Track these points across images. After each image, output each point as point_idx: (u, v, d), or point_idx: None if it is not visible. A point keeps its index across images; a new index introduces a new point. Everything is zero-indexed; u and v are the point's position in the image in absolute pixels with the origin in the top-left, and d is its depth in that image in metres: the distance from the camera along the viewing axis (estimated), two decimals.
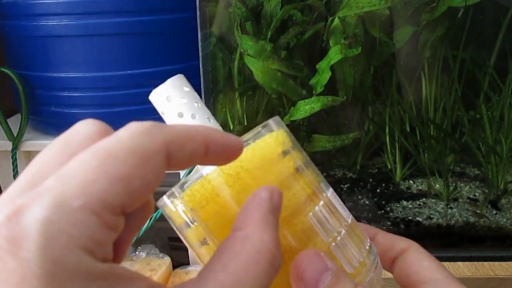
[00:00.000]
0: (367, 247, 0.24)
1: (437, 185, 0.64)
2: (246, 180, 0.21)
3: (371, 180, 0.66)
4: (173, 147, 0.17)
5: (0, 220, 0.14)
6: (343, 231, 0.23)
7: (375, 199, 0.63)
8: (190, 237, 0.23)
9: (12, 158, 0.68)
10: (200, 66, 0.58)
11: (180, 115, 0.24)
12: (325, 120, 0.65)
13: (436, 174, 0.64)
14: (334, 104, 0.59)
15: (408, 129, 0.64)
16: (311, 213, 0.22)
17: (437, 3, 0.57)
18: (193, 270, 0.79)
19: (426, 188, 0.64)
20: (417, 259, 0.26)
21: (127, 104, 0.67)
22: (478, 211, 0.61)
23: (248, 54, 0.58)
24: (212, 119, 0.25)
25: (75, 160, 0.16)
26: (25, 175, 0.17)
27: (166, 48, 0.67)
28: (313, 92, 0.58)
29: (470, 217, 0.60)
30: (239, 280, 0.16)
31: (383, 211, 0.62)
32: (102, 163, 0.15)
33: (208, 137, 0.18)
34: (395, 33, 0.60)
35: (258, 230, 0.18)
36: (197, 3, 0.55)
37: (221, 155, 0.19)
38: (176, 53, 0.69)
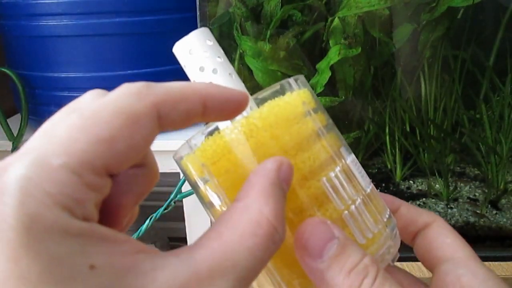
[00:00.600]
0: (385, 219, 0.23)
1: (437, 185, 0.64)
2: (259, 138, 0.21)
3: (371, 180, 0.66)
4: (165, 108, 0.16)
5: None
6: (359, 200, 0.22)
7: None
8: (203, 194, 0.22)
9: None
10: None
11: (202, 69, 0.23)
12: None
13: (436, 174, 0.64)
14: (333, 104, 0.59)
15: (408, 129, 0.64)
16: (324, 178, 0.21)
17: (437, 3, 0.57)
18: None
19: (426, 188, 0.64)
20: (440, 234, 0.25)
21: None
22: (478, 211, 0.61)
23: (247, 55, 0.58)
24: (235, 75, 0.24)
25: (62, 121, 0.16)
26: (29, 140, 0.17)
27: (166, 48, 0.67)
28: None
29: (470, 217, 0.60)
30: (232, 249, 0.16)
31: None
32: (86, 123, 0.15)
33: (205, 94, 0.18)
34: (395, 32, 0.60)
35: (258, 201, 0.17)
36: (197, 3, 0.55)
37: (223, 110, 0.18)
38: None
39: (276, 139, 0.21)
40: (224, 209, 0.22)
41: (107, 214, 0.17)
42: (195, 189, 0.23)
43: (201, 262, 0.15)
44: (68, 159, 0.15)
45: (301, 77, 0.24)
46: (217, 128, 0.21)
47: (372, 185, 0.24)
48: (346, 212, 0.22)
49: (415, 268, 0.49)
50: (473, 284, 0.22)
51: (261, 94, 0.22)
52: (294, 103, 0.22)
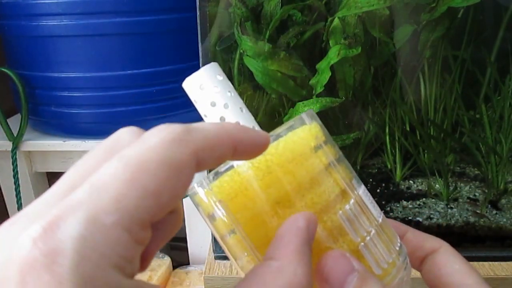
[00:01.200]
0: (397, 248, 0.24)
1: (437, 185, 0.64)
2: (276, 174, 0.21)
3: (371, 180, 0.66)
4: (203, 154, 0.17)
5: (37, 232, 0.14)
6: (373, 231, 0.23)
7: (375, 199, 0.63)
8: (218, 227, 0.23)
9: (12, 158, 0.68)
10: (200, 66, 0.58)
11: (213, 104, 0.24)
12: (325, 120, 0.65)
13: (436, 174, 0.64)
14: (333, 105, 0.59)
15: (408, 129, 0.64)
16: (341, 211, 0.22)
17: (437, 3, 0.57)
18: (193, 270, 0.79)
19: (426, 188, 0.64)
20: (449, 260, 0.25)
21: (127, 104, 0.67)
22: (478, 211, 0.61)
23: (247, 55, 0.58)
24: (245, 109, 0.24)
25: (106, 170, 0.16)
26: (65, 180, 0.17)
27: (166, 48, 0.67)
28: (313, 92, 0.58)
29: (470, 217, 0.60)
30: None
31: (383, 211, 0.61)
32: (133, 176, 0.15)
33: (236, 138, 0.18)
34: (395, 32, 0.60)
35: (292, 262, 0.18)
36: (197, 3, 0.55)
37: (248, 152, 0.19)
38: (176, 53, 0.69)
39: (292, 175, 0.21)
40: (239, 243, 0.22)
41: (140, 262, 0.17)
42: (209, 222, 0.23)
43: None
44: (120, 217, 0.15)
45: (311, 112, 0.24)
46: (232, 166, 0.22)
47: (382, 214, 0.25)
48: (362, 244, 0.22)
49: None
50: None
51: (276, 131, 0.22)
52: (307, 138, 0.22)
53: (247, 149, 0.19)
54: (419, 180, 0.65)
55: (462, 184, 0.65)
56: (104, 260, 0.14)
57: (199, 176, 0.22)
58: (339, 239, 0.22)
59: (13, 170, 0.69)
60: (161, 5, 0.65)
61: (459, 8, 0.59)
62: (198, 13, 0.55)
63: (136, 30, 0.64)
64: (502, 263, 0.53)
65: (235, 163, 0.22)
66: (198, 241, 0.76)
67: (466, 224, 0.59)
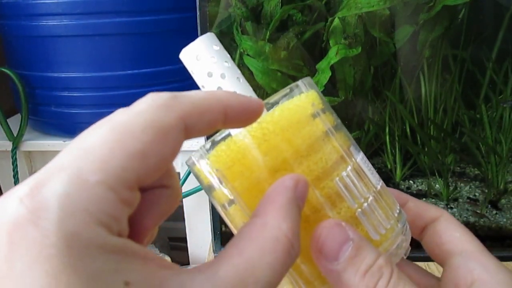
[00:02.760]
0: (396, 214, 0.24)
1: (437, 185, 0.64)
2: (272, 142, 0.21)
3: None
4: (191, 119, 0.17)
5: (24, 191, 0.15)
6: (371, 197, 0.23)
7: None
8: (217, 197, 0.23)
9: (12, 158, 0.68)
10: None
11: (210, 74, 0.23)
12: None
13: (436, 174, 0.64)
14: (332, 104, 0.59)
15: (408, 129, 0.64)
16: (337, 178, 0.22)
17: (434, 3, 0.57)
18: None
19: (426, 188, 0.64)
20: (449, 228, 0.25)
21: (127, 104, 0.66)
22: (478, 211, 0.61)
23: (247, 54, 0.58)
24: (242, 79, 0.24)
25: (93, 134, 0.16)
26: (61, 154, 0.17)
27: (166, 48, 0.67)
28: None
29: (470, 217, 0.60)
30: (254, 266, 0.16)
31: None
32: (119, 138, 0.16)
33: (226, 104, 0.18)
34: (395, 32, 0.60)
35: (277, 218, 0.18)
36: (197, 3, 0.55)
37: (240, 118, 0.19)
38: (176, 53, 0.68)
39: (288, 142, 0.21)
40: (238, 212, 0.22)
41: (132, 233, 0.17)
42: (208, 192, 0.23)
43: (225, 279, 0.16)
44: (105, 176, 0.15)
45: (308, 79, 0.24)
46: (229, 134, 0.22)
47: (381, 181, 0.25)
48: (359, 210, 0.22)
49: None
50: (484, 277, 0.22)
51: (272, 99, 0.22)
52: (303, 105, 0.22)
53: (238, 115, 0.19)
54: (419, 180, 0.66)
55: (462, 184, 0.65)
56: (89, 216, 0.14)
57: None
58: (336, 205, 0.22)
59: (13, 170, 0.69)
60: (161, 5, 0.65)
61: (459, 8, 0.59)
62: (198, 13, 0.55)
63: (136, 30, 0.64)
64: (502, 263, 0.53)
65: (232, 132, 0.22)
66: (198, 241, 0.76)
67: (466, 224, 0.60)
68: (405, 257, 0.24)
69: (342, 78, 0.60)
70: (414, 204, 0.27)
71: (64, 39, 0.64)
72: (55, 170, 0.15)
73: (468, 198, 0.63)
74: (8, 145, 0.69)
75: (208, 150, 0.22)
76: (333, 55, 0.56)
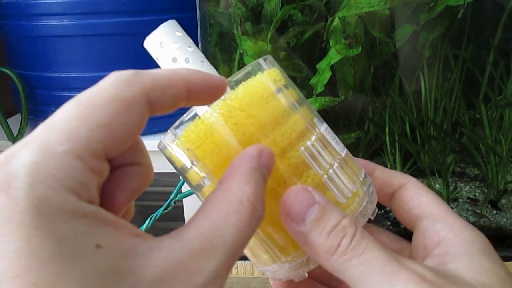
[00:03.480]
0: (361, 179, 0.25)
1: (437, 185, 0.64)
2: (238, 119, 0.22)
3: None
4: (154, 93, 0.18)
5: None
6: (336, 164, 0.24)
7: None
8: (191, 178, 0.24)
9: None
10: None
11: (174, 60, 0.25)
12: (325, 120, 0.65)
13: (436, 174, 0.64)
14: (332, 104, 0.59)
15: (408, 129, 0.64)
16: (303, 148, 0.23)
17: (435, 3, 0.57)
18: None
19: None
20: (416, 193, 0.26)
21: None
22: (478, 211, 0.61)
23: (247, 55, 0.58)
24: (206, 62, 0.25)
25: (60, 110, 0.17)
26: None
27: None
28: (313, 92, 0.58)
29: (470, 217, 0.60)
30: (220, 227, 0.17)
31: (383, 211, 0.62)
32: (84, 111, 0.16)
33: (189, 79, 0.19)
34: (395, 32, 0.60)
35: (239, 183, 0.19)
36: (197, 3, 0.55)
37: (205, 95, 0.20)
38: None
39: (253, 117, 0.22)
40: (214, 187, 0.23)
41: (104, 207, 0.17)
42: (182, 174, 0.24)
43: (193, 240, 0.17)
44: (71, 145, 0.15)
45: (269, 57, 0.25)
46: (196, 114, 0.22)
47: (346, 149, 0.26)
48: (325, 176, 0.23)
49: None
50: (449, 236, 0.23)
51: (235, 77, 0.23)
52: (266, 82, 0.23)
53: (202, 90, 0.19)
54: (419, 180, 0.66)
55: (462, 184, 0.65)
56: (57, 182, 0.15)
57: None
58: (303, 174, 0.23)
59: None
60: (161, 5, 0.65)
61: (459, 8, 0.59)
62: (198, 13, 0.55)
63: (136, 30, 0.64)
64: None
65: (198, 111, 0.22)
66: None
67: None
68: (372, 218, 0.25)
69: (342, 78, 0.60)
70: (382, 172, 0.28)
71: (64, 39, 0.64)
72: (23, 144, 0.16)
73: (468, 198, 0.63)
74: (8, 145, 0.69)
75: (177, 131, 0.23)
76: (333, 55, 0.56)
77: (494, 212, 0.61)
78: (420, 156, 0.65)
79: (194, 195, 0.73)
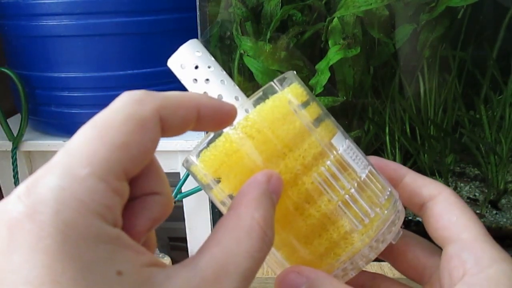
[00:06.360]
0: (383, 200, 0.24)
1: None
2: (258, 139, 0.22)
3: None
4: (165, 113, 0.18)
5: (22, 190, 0.16)
6: (353, 189, 0.23)
7: None
8: (215, 195, 0.24)
9: (12, 158, 0.68)
10: None
11: (195, 81, 0.25)
12: None
13: (436, 174, 0.64)
14: (332, 104, 0.59)
15: (408, 129, 0.64)
16: (316, 174, 0.22)
17: (436, 3, 0.57)
18: None
19: None
20: (446, 211, 0.24)
21: None
22: (478, 211, 0.61)
23: (247, 55, 0.58)
24: (227, 81, 0.25)
25: (77, 135, 0.17)
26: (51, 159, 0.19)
27: (166, 48, 0.67)
28: (313, 92, 0.58)
29: None
30: (232, 254, 0.17)
31: None
32: (101, 133, 0.17)
33: (199, 103, 0.19)
34: (395, 32, 0.60)
35: (249, 209, 0.19)
36: (197, 3, 0.55)
37: (214, 120, 0.20)
38: None
39: (264, 144, 0.22)
40: None
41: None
42: (207, 191, 0.24)
43: (206, 268, 0.17)
44: (93, 168, 0.16)
45: (290, 73, 0.24)
46: (216, 136, 0.23)
47: (370, 166, 0.25)
48: (340, 202, 0.23)
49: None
50: (474, 272, 0.22)
51: (255, 96, 0.23)
52: (280, 104, 0.23)
53: (212, 115, 0.20)
54: None
55: (462, 184, 0.65)
56: (83, 206, 0.15)
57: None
58: (316, 201, 0.22)
59: (13, 170, 0.69)
60: (161, 5, 0.65)
61: (459, 8, 0.59)
62: (198, 13, 0.55)
63: (136, 30, 0.64)
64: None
65: (218, 133, 0.23)
66: (198, 241, 0.76)
67: None
68: (394, 242, 0.24)
69: (342, 79, 0.60)
70: (413, 179, 0.26)
71: (64, 39, 0.64)
72: (47, 169, 0.16)
73: (468, 198, 0.63)
74: (8, 145, 0.69)
75: (200, 151, 0.23)
76: (332, 56, 0.56)
77: (494, 212, 0.61)
78: (420, 156, 0.65)
79: (194, 195, 0.73)
